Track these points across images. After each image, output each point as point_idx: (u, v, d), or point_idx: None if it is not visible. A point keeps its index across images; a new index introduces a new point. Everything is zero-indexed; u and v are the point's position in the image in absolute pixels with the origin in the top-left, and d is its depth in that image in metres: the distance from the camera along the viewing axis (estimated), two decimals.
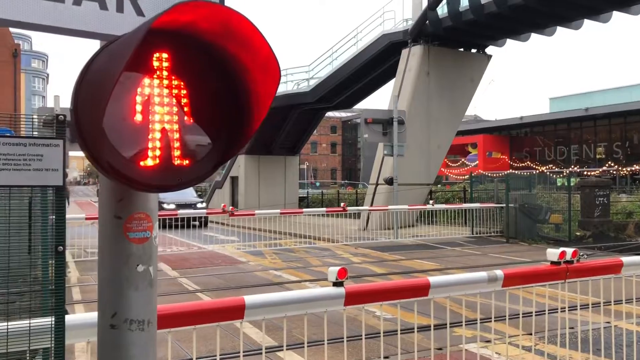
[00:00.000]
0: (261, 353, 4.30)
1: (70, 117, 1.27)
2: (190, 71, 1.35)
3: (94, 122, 1.15)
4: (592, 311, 5.06)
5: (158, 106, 1.33)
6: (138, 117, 1.31)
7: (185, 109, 1.37)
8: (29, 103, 71.50)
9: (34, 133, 2.66)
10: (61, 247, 2.73)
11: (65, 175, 2.73)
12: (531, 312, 4.97)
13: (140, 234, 1.45)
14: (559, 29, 21.15)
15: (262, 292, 5.42)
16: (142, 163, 1.30)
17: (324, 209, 18.33)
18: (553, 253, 4.58)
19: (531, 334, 5.83)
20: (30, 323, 2.64)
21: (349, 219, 19.74)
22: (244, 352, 3.82)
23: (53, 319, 2.72)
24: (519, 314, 4.92)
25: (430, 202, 18.59)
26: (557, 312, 5.19)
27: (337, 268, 3.79)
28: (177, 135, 1.35)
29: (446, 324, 4.51)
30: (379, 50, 22.89)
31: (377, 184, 20.59)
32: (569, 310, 4.93)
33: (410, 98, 20.54)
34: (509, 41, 22.39)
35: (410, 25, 21.72)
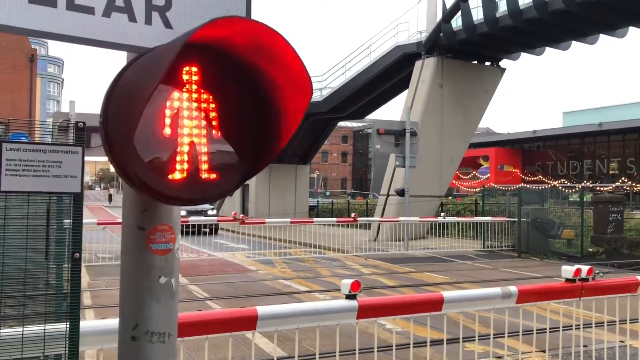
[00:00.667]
0: None
1: (100, 129, 1.27)
2: (220, 85, 1.35)
3: (124, 136, 1.15)
4: (607, 330, 4.99)
5: (186, 120, 1.33)
6: (167, 131, 1.30)
7: (214, 122, 1.37)
8: (44, 108, 72.30)
9: (49, 139, 2.67)
10: (77, 254, 2.74)
11: (83, 182, 2.75)
12: (545, 329, 4.91)
13: (163, 246, 1.44)
14: (574, 43, 21.07)
15: (271, 302, 5.40)
16: (169, 176, 1.30)
17: (335, 219, 18.29)
18: (568, 270, 4.54)
19: (544, 351, 5.75)
20: (45, 329, 2.64)
21: (359, 229, 19.69)
22: None
23: (68, 325, 2.73)
24: (532, 331, 4.86)
25: (442, 214, 18.49)
26: (571, 329, 5.13)
27: (351, 281, 3.76)
28: (204, 149, 1.35)
29: (459, 339, 4.47)
30: (392, 61, 22.92)
31: (388, 195, 20.54)
32: (583, 328, 4.87)
33: (423, 110, 20.53)
34: (523, 55, 22.34)
35: (424, 37, 21.75)
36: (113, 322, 3.13)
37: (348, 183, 74.08)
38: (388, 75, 23.64)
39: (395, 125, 17.50)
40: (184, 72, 1.30)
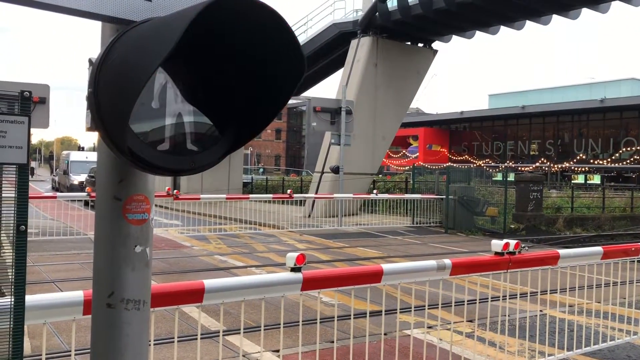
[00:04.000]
0: (218, 336, 4.33)
1: (89, 99, 1.27)
2: (208, 59, 1.37)
3: (120, 112, 1.15)
4: (529, 301, 5.36)
5: (174, 92, 1.35)
6: (155, 102, 1.32)
7: (201, 95, 1.39)
8: None
9: None
10: (23, 226, 2.67)
11: (29, 152, 2.68)
12: (475, 300, 5.21)
13: (139, 216, 1.46)
14: (502, 28, 21.86)
15: (208, 277, 5.41)
16: (158, 147, 1.32)
17: (270, 195, 18.32)
18: (497, 244, 4.81)
19: (473, 321, 6.11)
20: None
21: (294, 205, 19.84)
22: (201, 334, 3.85)
23: (12, 299, 2.67)
24: (463, 302, 5.16)
25: (375, 191, 18.93)
26: (498, 300, 5.47)
27: (296, 254, 3.85)
28: (191, 121, 1.38)
29: (396, 310, 4.68)
30: (328, 39, 22.99)
31: (322, 172, 20.75)
32: (509, 299, 5.21)
33: (357, 88, 20.76)
34: (454, 37, 22.95)
35: (360, 16, 21.89)
36: (58, 296, 3.09)
37: (282, 160, 74.03)
38: (324, 53, 23.71)
39: (331, 103, 17.64)
40: None
